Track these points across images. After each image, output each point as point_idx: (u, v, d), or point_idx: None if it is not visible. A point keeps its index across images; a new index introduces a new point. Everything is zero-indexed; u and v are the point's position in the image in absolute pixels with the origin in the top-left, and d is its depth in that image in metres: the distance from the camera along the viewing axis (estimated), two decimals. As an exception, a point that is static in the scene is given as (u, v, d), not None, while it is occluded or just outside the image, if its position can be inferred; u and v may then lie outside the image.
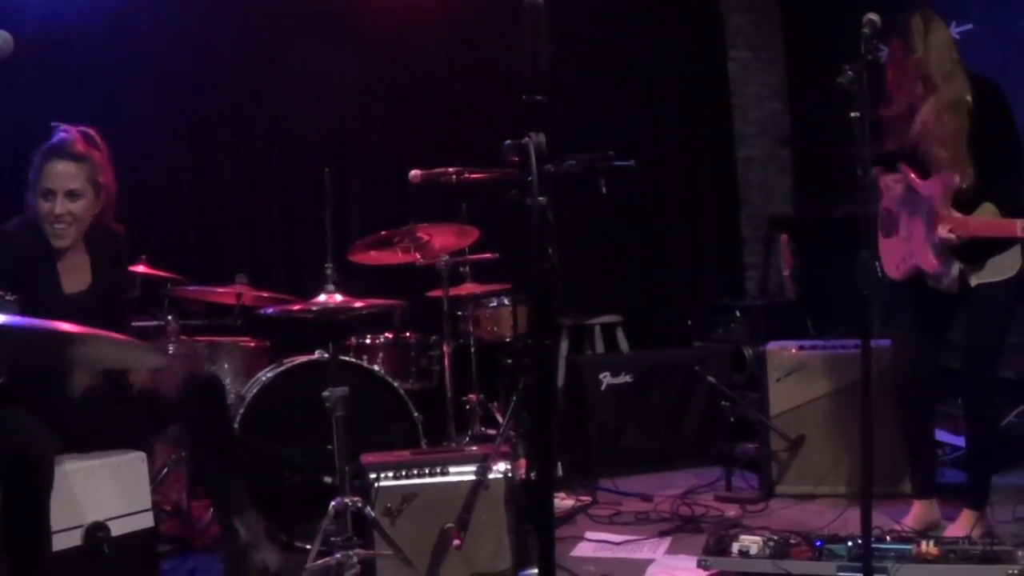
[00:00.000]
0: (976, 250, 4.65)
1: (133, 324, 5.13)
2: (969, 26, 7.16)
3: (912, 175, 4.83)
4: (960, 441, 5.72)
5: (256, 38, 7.76)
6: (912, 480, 5.18)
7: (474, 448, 5.20)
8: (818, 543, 4.24)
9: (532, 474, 3.14)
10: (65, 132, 4.29)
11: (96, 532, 3.95)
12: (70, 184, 4.22)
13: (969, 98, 4.65)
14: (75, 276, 4.34)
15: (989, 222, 4.55)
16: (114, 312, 4.47)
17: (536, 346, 2.87)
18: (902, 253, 4.94)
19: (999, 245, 4.64)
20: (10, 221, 4.28)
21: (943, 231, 4.56)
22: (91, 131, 4.38)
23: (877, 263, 4.98)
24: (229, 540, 4.37)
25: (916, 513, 5.00)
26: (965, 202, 4.63)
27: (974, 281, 4.71)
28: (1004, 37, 6.87)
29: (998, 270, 4.69)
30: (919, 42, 4.69)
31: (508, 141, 2.86)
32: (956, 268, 4.73)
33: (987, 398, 4.88)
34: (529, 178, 2.77)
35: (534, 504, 3.00)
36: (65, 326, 3.03)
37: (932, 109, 4.68)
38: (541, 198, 2.76)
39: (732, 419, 6.49)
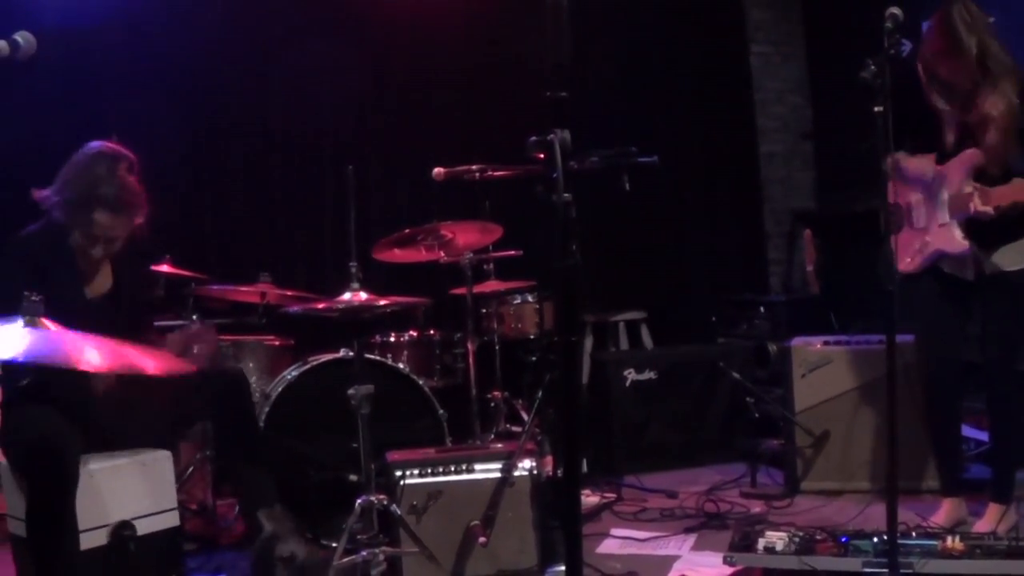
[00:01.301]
0: (993, 235, 4.65)
1: (157, 324, 5.15)
2: (991, 19, 7.12)
3: (928, 160, 4.82)
4: (984, 436, 5.69)
5: (275, 36, 7.77)
6: (940, 477, 5.16)
7: (499, 445, 5.20)
8: (843, 539, 4.22)
9: (558, 471, 3.15)
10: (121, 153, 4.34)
11: (122, 531, 3.97)
12: (114, 233, 4.30)
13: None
14: (97, 280, 4.36)
15: (1020, 184, 4.52)
16: (137, 314, 4.49)
17: (561, 342, 2.88)
18: (917, 244, 4.92)
19: (1015, 231, 4.63)
20: (32, 225, 4.28)
21: (978, 204, 4.53)
22: (120, 149, 4.42)
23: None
24: (255, 534, 4.38)
25: (946, 510, 4.98)
26: (993, 184, 4.61)
27: (988, 269, 4.70)
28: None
29: (1014, 259, 4.67)
30: (965, 35, 4.63)
31: (533, 138, 2.86)
32: (974, 255, 4.72)
33: (1010, 391, 4.86)
34: (555, 175, 2.77)
35: (560, 501, 3.00)
36: (86, 362, 3.07)
37: (993, 97, 4.63)
38: (566, 195, 2.77)
39: (756, 415, 6.48)
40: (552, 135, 2.78)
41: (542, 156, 2.83)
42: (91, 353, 3.25)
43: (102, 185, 4.21)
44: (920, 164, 4.92)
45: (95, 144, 4.32)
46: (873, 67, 3.85)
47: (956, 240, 4.72)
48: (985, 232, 4.62)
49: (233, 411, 4.53)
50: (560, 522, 3.18)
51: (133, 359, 3.46)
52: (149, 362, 3.50)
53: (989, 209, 4.51)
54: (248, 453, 4.53)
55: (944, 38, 4.72)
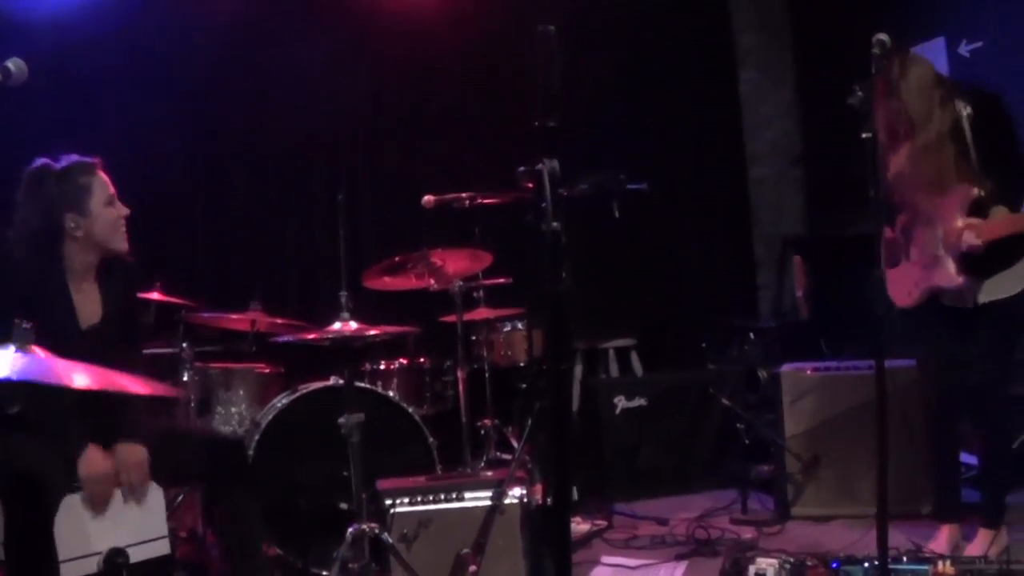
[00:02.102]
0: (987, 264, 4.65)
1: (147, 351, 5.14)
2: (980, 44, 7.17)
3: (922, 195, 4.84)
4: (973, 460, 5.70)
5: (270, 63, 7.80)
6: (939, 503, 5.17)
7: (489, 473, 5.20)
8: (834, 564, 4.23)
9: (548, 498, 3.15)
10: (65, 157, 4.30)
11: (116, 559, 3.95)
12: (113, 189, 4.32)
13: (967, 113, 4.66)
14: (88, 308, 4.32)
15: (1016, 219, 4.56)
16: (128, 342, 4.47)
17: (551, 370, 2.88)
18: (914, 279, 4.93)
19: (1008, 259, 4.64)
20: (15, 246, 4.26)
21: (969, 238, 4.55)
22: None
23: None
24: None
25: (945, 536, 4.98)
26: (977, 210, 4.63)
27: (983, 298, 4.71)
28: (1015, 54, 6.88)
29: (1006, 287, 4.69)
30: (895, 88, 4.69)
31: (522, 167, 2.87)
32: (973, 283, 4.74)
33: (1002, 414, 4.89)
34: (543, 203, 2.78)
35: (550, 529, 3.00)
36: (74, 380, 3.07)
37: (907, 154, 4.73)
38: (555, 223, 2.78)
39: (747, 440, 6.49)
40: (541, 164, 2.80)
41: (531, 185, 2.84)
42: (80, 377, 3.25)
43: (77, 159, 4.27)
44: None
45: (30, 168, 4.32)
46: (860, 93, 3.87)
47: (951, 275, 4.73)
48: (978, 260, 4.63)
49: (227, 482, 4.41)
50: (550, 550, 3.18)
51: (121, 383, 3.45)
52: (137, 388, 3.49)
53: (980, 243, 4.53)
54: (236, 506, 4.41)
55: (879, 85, 4.71)
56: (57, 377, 3.23)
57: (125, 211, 4.32)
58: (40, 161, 4.28)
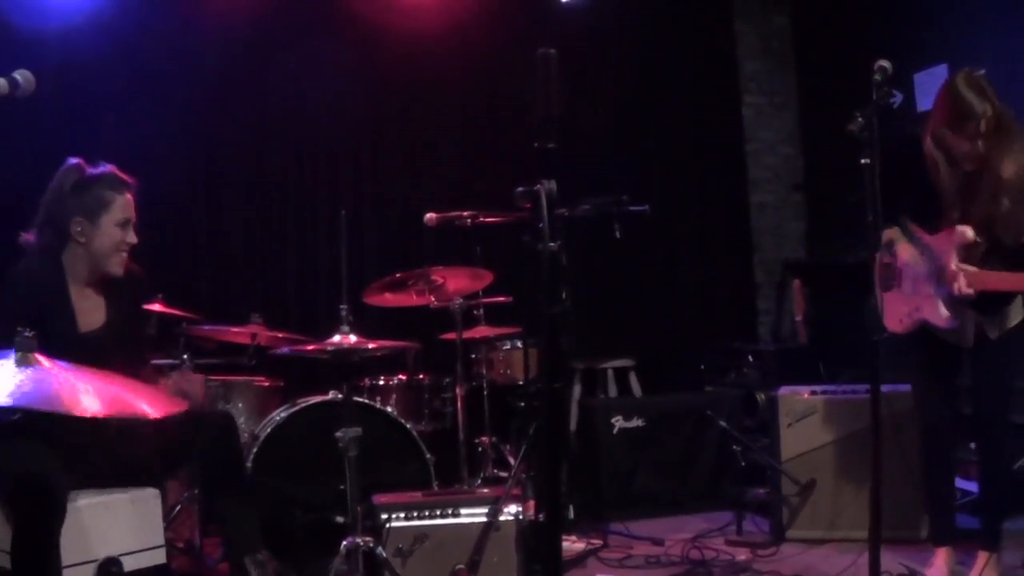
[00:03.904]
0: (990, 302, 4.65)
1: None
2: (982, 70, 7.20)
3: (919, 231, 4.84)
4: (970, 486, 5.72)
5: (273, 79, 7.84)
6: (933, 527, 5.18)
7: (486, 490, 5.22)
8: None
9: (540, 516, 3.17)
10: (105, 166, 4.37)
11: (110, 568, 3.97)
12: (134, 215, 4.36)
13: None
14: (90, 314, 4.35)
15: (1009, 276, 4.52)
16: (132, 349, 4.51)
17: (546, 389, 2.91)
18: (907, 308, 4.94)
19: (1009, 295, 4.66)
20: (28, 256, 4.31)
21: (962, 286, 4.52)
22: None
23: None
24: None
25: (941, 560, 4.99)
26: (972, 255, 4.62)
27: (994, 333, 4.72)
28: (1016, 81, 6.91)
29: (1007, 319, 4.71)
30: (980, 104, 4.54)
31: (520, 188, 2.90)
32: (972, 323, 4.74)
33: (1004, 441, 4.90)
34: (540, 224, 2.81)
35: (542, 545, 3.02)
36: (83, 408, 3.10)
37: (1013, 163, 4.59)
38: (552, 244, 2.80)
39: (743, 463, 6.50)
40: (539, 185, 2.83)
41: (528, 206, 2.87)
42: (88, 399, 3.27)
43: (107, 172, 4.32)
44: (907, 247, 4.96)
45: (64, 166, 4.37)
46: (860, 119, 3.89)
47: (941, 314, 4.74)
48: (986, 299, 4.62)
49: (220, 455, 4.50)
50: (542, 567, 3.20)
51: (130, 403, 3.48)
52: (146, 405, 3.51)
53: (971, 292, 4.52)
54: (234, 497, 4.51)
55: (952, 106, 4.63)
56: (62, 404, 3.26)
57: (134, 239, 4.36)
58: (74, 161, 4.34)
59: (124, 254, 4.37)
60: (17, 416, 4.02)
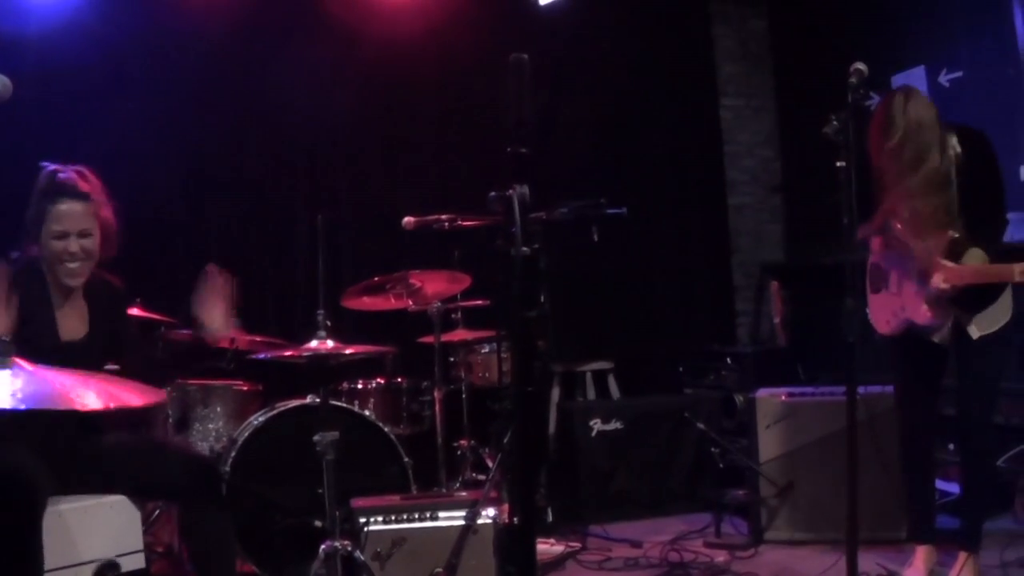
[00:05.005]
0: (971, 299, 4.68)
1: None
2: (959, 73, 7.24)
3: (902, 230, 4.87)
4: (951, 487, 5.74)
5: (252, 84, 7.81)
6: (913, 525, 5.19)
7: (464, 493, 5.23)
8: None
9: (515, 518, 3.18)
10: (63, 172, 4.26)
11: (107, 572, 3.96)
12: (81, 224, 4.21)
13: (955, 152, 4.69)
14: (72, 324, 4.32)
15: (985, 269, 4.57)
16: (116, 352, 4.49)
17: (521, 392, 2.91)
18: (893, 308, 4.98)
19: (991, 295, 4.68)
20: (16, 263, 4.26)
21: (938, 281, 4.57)
22: (84, 169, 4.36)
23: (866, 315, 5.04)
24: None
25: (921, 558, 5.02)
26: (952, 250, 4.67)
27: (975, 333, 4.74)
28: (992, 84, 6.95)
29: (991, 321, 4.73)
30: (894, 124, 4.66)
31: (493, 193, 2.91)
32: (950, 321, 4.77)
33: (987, 443, 4.92)
34: (513, 229, 2.82)
35: (517, 548, 3.03)
36: (83, 404, 3.10)
37: (904, 195, 4.71)
38: (525, 248, 2.81)
39: (721, 465, 6.52)
40: (511, 190, 2.83)
41: (502, 211, 2.88)
42: (86, 395, 3.27)
43: (50, 182, 4.24)
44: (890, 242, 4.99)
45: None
46: (836, 122, 3.92)
47: (923, 312, 4.77)
48: (966, 296, 4.65)
49: (203, 502, 4.35)
50: (516, 570, 3.20)
51: (117, 395, 3.47)
52: (127, 396, 3.50)
53: (948, 288, 4.57)
54: (212, 537, 4.36)
55: (876, 116, 4.77)
56: (63, 399, 3.25)
57: (73, 248, 4.20)
58: (47, 167, 4.29)
59: (73, 265, 4.24)
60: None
